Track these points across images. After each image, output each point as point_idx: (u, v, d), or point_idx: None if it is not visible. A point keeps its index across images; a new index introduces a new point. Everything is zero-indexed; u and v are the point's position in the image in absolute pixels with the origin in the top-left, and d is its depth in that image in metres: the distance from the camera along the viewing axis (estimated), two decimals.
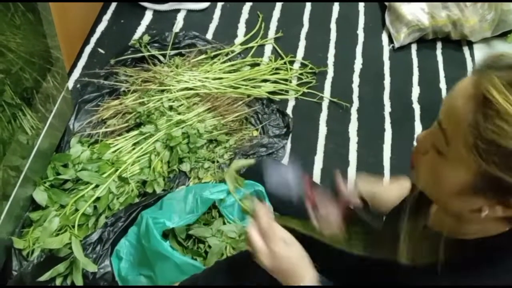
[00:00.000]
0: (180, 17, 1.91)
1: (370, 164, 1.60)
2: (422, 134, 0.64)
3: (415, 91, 1.85)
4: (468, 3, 1.93)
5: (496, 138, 0.51)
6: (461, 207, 0.59)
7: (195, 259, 1.09)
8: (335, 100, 1.74)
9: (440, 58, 1.97)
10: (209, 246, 1.12)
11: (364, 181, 0.96)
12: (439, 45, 2.02)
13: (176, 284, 0.97)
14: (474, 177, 0.55)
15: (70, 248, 1.10)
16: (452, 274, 0.60)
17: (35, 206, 1.23)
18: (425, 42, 2.00)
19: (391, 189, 0.93)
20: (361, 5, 2.12)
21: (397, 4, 1.97)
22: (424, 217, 0.71)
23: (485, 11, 1.94)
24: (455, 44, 2.02)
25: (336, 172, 0.93)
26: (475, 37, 1.98)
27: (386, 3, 2.05)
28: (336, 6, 2.09)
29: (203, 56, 1.71)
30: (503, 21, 1.95)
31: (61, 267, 1.10)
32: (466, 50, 2.01)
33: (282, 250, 0.70)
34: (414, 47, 1.99)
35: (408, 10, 1.94)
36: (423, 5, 1.94)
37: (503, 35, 2.02)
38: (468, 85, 0.55)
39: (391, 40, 1.99)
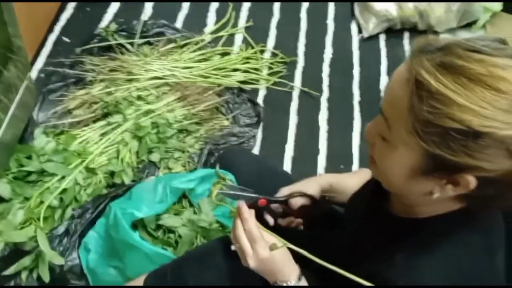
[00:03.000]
0: (149, 5, 1.87)
1: (339, 153, 1.62)
2: (368, 125, 0.67)
3: (384, 80, 1.87)
4: None
5: (431, 118, 0.53)
6: (414, 191, 0.61)
7: (166, 249, 1.08)
8: (305, 89, 1.75)
9: (407, 47, 2.01)
10: (180, 236, 1.11)
11: (320, 177, 1.00)
12: (406, 35, 2.05)
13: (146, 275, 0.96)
14: (419, 159, 0.57)
15: (36, 241, 1.08)
16: (408, 257, 0.62)
17: None
18: (393, 32, 2.03)
19: (351, 177, 0.96)
20: None
21: None
22: (383, 203, 0.73)
23: (451, 2, 1.98)
24: (422, 34, 2.05)
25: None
26: (441, 27, 2.02)
27: None
28: None
29: (172, 45, 1.68)
30: (467, 12, 2.00)
31: (26, 261, 1.08)
32: None
33: (267, 252, 0.72)
34: (382, 37, 2.02)
35: (376, 1, 1.96)
36: None
37: (468, 26, 2.06)
38: (403, 71, 0.57)
39: (360, 30, 2.01)
